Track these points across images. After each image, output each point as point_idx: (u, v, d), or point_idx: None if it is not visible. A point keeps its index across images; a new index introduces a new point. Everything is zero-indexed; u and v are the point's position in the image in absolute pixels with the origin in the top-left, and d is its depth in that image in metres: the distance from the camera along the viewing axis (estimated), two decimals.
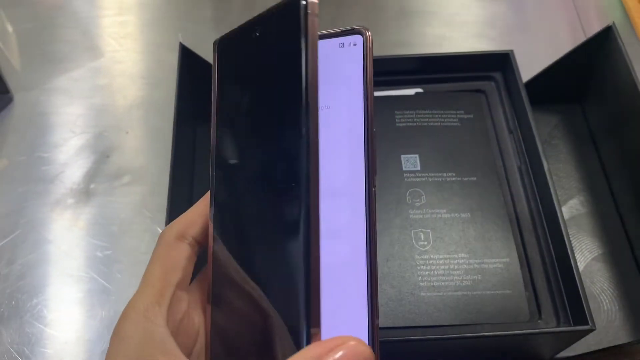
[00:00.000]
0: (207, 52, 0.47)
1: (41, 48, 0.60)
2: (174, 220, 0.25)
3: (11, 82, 0.56)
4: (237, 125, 0.24)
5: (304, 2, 0.20)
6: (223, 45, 0.25)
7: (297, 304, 0.20)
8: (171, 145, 0.42)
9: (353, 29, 0.23)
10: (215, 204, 0.25)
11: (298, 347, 0.19)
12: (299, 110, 0.20)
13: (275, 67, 0.21)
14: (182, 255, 0.24)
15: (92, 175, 0.52)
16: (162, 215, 0.49)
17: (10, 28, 0.62)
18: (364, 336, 0.22)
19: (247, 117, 0.23)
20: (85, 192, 0.51)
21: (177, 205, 0.42)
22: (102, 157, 0.53)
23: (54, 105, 0.56)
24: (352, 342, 0.19)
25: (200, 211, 0.25)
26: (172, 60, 0.58)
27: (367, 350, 0.19)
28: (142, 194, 0.51)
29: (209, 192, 0.25)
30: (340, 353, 0.19)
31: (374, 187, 0.23)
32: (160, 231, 0.48)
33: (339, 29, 0.24)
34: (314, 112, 0.20)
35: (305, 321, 0.19)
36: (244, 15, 0.61)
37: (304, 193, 0.20)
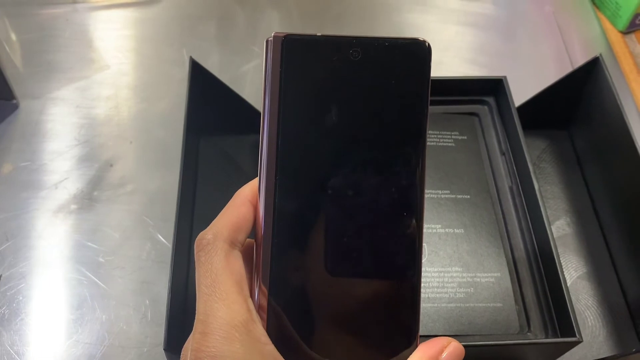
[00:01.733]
0: (210, 68, 0.49)
1: (47, 58, 0.61)
2: (215, 226, 0.24)
3: (17, 90, 0.58)
4: (317, 135, 0.24)
5: (428, 45, 0.23)
6: (292, 46, 0.23)
7: (407, 307, 0.24)
8: (181, 155, 0.44)
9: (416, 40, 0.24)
10: (281, 202, 0.24)
11: (409, 345, 0.24)
12: (410, 141, 0.24)
13: (383, 92, 0.23)
14: (240, 262, 0.24)
15: (96, 182, 0.53)
16: (163, 223, 0.50)
17: (16, 38, 0.63)
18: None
19: (337, 131, 0.23)
20: (88, 199, 0.52)
21: (183, 213, 0.44)
22: (105, 165, 0.54)
23: (59, 114, 0.57)
24: (454, 343, 0.24)
25: (243, 216, 0.24)
26: (176, 74, 0.61)
27: (463, 349, 0.24)
28: (144, 202, 0.52)
29: (241, 196, 0.24)
30: (449, 350, 0.23)
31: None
32: (162, 238, 0.49)
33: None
34: (423, 149, 0.24)
35: (415, 323, 0.24)
36: (247, 33, 0.64)
37: (413, 204, 0.24)
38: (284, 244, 0.23)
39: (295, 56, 0.23)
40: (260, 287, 0.23)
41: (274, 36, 0.23)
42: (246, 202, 0.24)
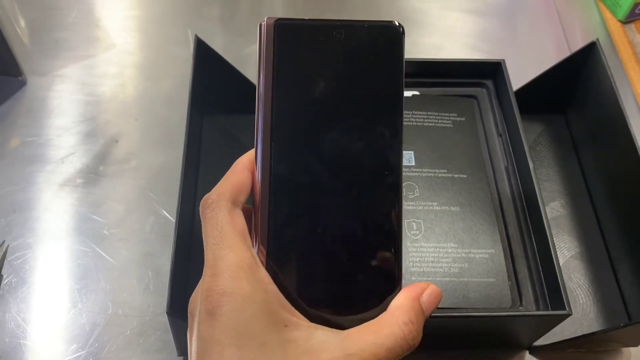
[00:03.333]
0: (214, 48, 0.50)
1: (54, 37, 0.63)
2: (218, 189, 0.26)
3: (25, 67, 0.59)
4: (307, 107, 0.27)
5: (402, 28, 0.26)
6: (283, 29, 0.26)
7: (390, 255, 0.26)
8: (185, 132, 0.45)
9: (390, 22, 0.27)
10: (276, 167, 0.26)
11: (393, 289, 0.26)
12: (389, 107, 0.26)
13: (363, 69, 0.27)
14: (242, 219, 0.26)
15: (101, 158, 0.54)
16: (167, 198, 0.52)
17: (24, 16, 0.64)
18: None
19: (323, 104, 0.26)
20: (93, 174, 0.53)
21: (187, 187, 0.45)
22: (111, 141, 0.55)
23: (66, 91, 0.58)
24: (432, 285, 0.27)
25: (242, 180, 0.26)
26: (180, 54, 0.62)
27: (440, 292, 0.27)
28: (148, 177, 0.53)
29: (239, 164, 0.27)
30: (428, 292, 0.26)
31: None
32: (165, 213, 0.51)
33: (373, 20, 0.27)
34: (400, 115, 0.26)
35: (398, 270, 0.26)
36: (251, 15, 0.65)
37: (393, 157, 0.26)
38: (279, 205, 0.26)
39: (286, 38, 0.26)
40: (259, 245, 0.26)
41: (267, 20, 0.26)
42: (244, 169, 0.26)
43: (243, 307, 0.22)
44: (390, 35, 0.26)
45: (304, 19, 0.27)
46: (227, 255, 0.24)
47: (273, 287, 0.24)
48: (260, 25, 0.26)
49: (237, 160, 0.27)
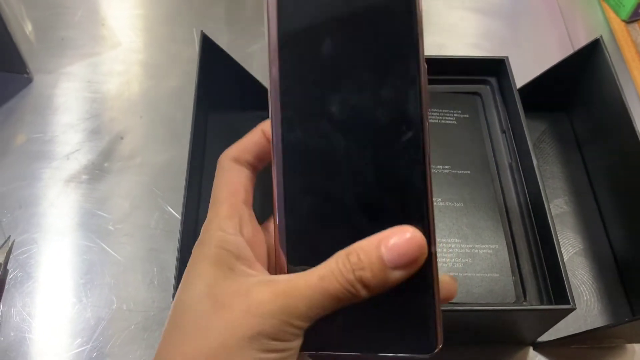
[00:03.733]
0: (220, 46, 0.50)
1: (61, 35, 0.63)
2: (228, 149, 0.28)
3: (31, 65, 0.59)
4: (318, 69, 0.25)
5: None
6: None
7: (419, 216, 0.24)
8: (190, 129, 0.45)
9: None
10: (288, 132, 0.25)
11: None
12: (406, 64, 0.24)
13: (376, 25, 0.24)
14: (241, 175, 0.27)
15: (106, 154, 0.54)
16: (171, 194, 0.52)
17: (31, 15, 0.65)
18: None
19: (338, 64, 0.25)
20: (99, 170, 0.53)
21: (192, 183, 0.45)
22: (116, 138, 0.55)
23: (72, 88, 0.59)
24: (409, 233, 0.23)
25: (253, 140, 0.27)
26: (186, 53, 0.62)
27: (418, 245, 0.23)
28: (153, 174, 0.53)
29: (260, 127, 0.27)
30: (395, 239, 0.23)
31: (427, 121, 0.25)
32: (170, 208, 0.51)
33: None
34: (420, 69, 0.24)
35: (427, 229, 0.24)
36: (256, 14, 0.65)
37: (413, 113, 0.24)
38: (293, 168, 0.25)
39: (291, 4, 0.25)
40: (277, 207, 0.25)
41: None
42: (258, 130, 0.27)
43: (198, 252, 0.25)
44: None
45: None
46: (210, 213, 0.26)
47: (233, 238, 0.25)
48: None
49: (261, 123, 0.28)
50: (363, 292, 0.23)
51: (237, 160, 0.27)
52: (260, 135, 0.27)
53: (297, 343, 0.23)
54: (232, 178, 0.27)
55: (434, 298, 0.24)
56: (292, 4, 0.25)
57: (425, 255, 0.23)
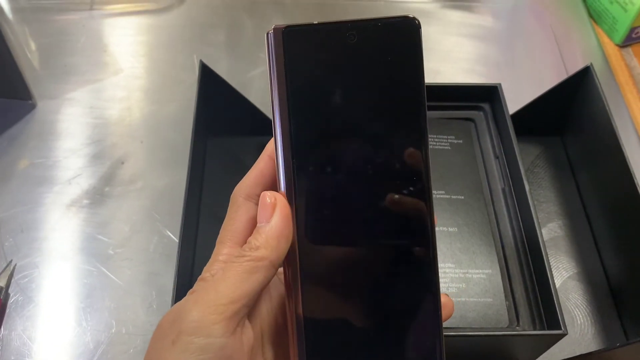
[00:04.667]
0: (219, 73, 0.51)
1: (64, 61, 0.64)
2: (241, 182, 0.28)
3: (35, 91, 0.60)
4: (328, 119, 0.26)
5: (417, 21, 0.25)
6: (293, 35, 0.25)
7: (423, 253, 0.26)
8: (189, 155, 0.46)
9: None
10: (300, 184, 0.26)
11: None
12: (411, 105, 0.26)
13: (381, 70, 0.25)
14: (251, 211, 0.27)
15: (107, 179, 0.55)
16: (171, 219, 0.53)
17: (35, 42, 0.66)
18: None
19: (345, 112, 0.26)
20: (100, 194, 0.54)
21: (190, 209, 0.46)
22: (117, 163, 0.56)
23: (74, 114, 0.60)
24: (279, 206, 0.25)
25: (261, 172, 0.28)
26: (186, 79, 0.63)
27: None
28: (153, 198, 0.54)
29: (267, 153, 0.28)
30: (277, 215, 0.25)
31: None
32: (169, 233, 0.52)
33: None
34: (424, 112, 0.26)
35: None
36: (256, 41, 0.67)
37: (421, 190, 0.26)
38: (301, 189, 0.26)
39: (296, 44, 0.25)
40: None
41: (274, 28, 0.25)
42: (264, 156, 0.28)
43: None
44: (406, 30, 0.25)
45: (313, 23, 0.25)
46: (221, 248, 0.27)
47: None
48: (268, 34, 0.25)
49: (265, 148, 0.28)
50: None
51: (248, 197, 0.27)
52: (267, 163, 0.28)
53: None
54: (238, 216, 0.27)
55: (439, 329, 0.26)
56: (299, 55, 0.25)
57: None
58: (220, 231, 0.27)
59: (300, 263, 0.26)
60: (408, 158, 0.26)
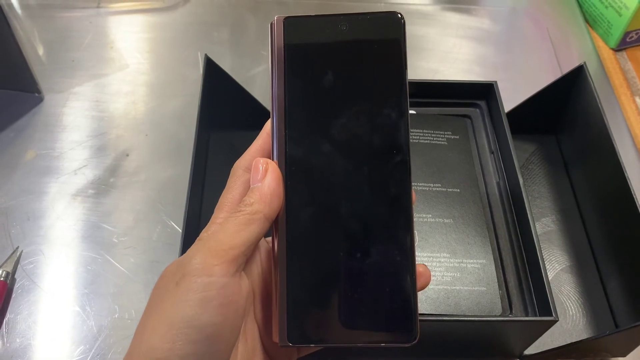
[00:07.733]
0: (223, 69, 0.53)
1: (71, 57, 0.66)
2: (241, 157, 0.30)
3: (43, 85, 0.62)
4: (319, 98, 0.29)
5: (401, 16, 0.28)
6: (292, 24, 0.29)
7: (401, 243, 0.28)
8: (193, 147, 0.47)
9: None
10: (291, 155, 0.29)
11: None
12: (393, 89, 0.28)
13: (368, 57, 0.28)
14: (249, 183, 0.29)
15: (112, 170, 0.57)
16: (174, 209, 0.54)
17: (44, 38, 0.68)
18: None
19: (335, 90, 0.29)
20: (105, 185, 0.56)
21: (194, 199, 0.47)
22: (122, 155, 0.58)
23: (81, 107, 0.62)
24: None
25: (261, 147, 0.30)
26: (190, 75, 0.65)
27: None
28: (156, 189, 0.56)
29: (265, 130, 0.30)
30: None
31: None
32: (172, 222, 0.53)
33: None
34: (405, 94, 0.28)
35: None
36: (259, 39, 0.68)
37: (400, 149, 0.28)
38: (294, 187, 0.29)
39: (295, 32, 0.29)
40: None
41: (277, 18, 0.29)
42: (263, 134, 0.30)
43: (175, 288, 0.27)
44: (391, 23, 0.29)
45: (311, 15, 0.29)
46: (212, 219, 0.29)
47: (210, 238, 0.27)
48: (271, 24, 0.29)
49: (264, 126, 0.30)
50: None
51: (247, 170, 0.29)
52: (264, 139, 0.30)
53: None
54: (237, 186, 0.29)
55: (413, 292, 0.27)
56: (297, 42, 0.28)
57: None
58: (220, 199, 0.29)
59: (287, 228, 0.28)
60: (389, 131, 0.28)
